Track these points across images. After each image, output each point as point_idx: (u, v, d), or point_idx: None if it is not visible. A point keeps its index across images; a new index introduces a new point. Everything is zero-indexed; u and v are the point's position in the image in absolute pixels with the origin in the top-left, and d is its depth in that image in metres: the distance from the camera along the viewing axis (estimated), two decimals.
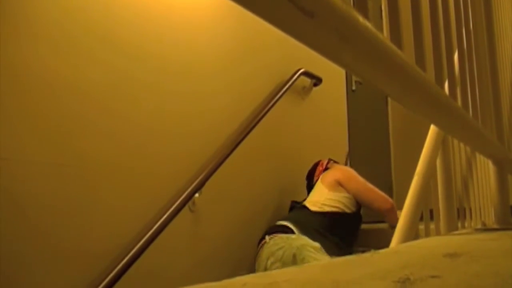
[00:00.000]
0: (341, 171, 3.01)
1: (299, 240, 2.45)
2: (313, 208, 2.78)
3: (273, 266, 2.40)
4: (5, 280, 1.65)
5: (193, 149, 2.50)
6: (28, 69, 1.81)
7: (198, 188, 2.38)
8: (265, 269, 2.42)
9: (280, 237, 2.52)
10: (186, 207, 2.32)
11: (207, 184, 2.43)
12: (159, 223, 2.13)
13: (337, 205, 2.76)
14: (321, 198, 2.82)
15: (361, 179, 2.93)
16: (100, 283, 1.87)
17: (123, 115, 2.15)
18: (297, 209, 2.88)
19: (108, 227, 2.02)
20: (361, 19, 0.50)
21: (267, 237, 2.57)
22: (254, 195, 2.88)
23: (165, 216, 2.16)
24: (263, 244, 2.56)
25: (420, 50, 0.76)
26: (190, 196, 2.33)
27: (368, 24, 0.52)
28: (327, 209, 2.74)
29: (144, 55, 2.29)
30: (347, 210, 2.78)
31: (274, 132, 3.15)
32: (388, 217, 2.87)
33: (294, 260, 2.33)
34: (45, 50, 1.88)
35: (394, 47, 0.60)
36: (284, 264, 2.35)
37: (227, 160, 2.57)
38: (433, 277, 0.65)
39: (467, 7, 1.32)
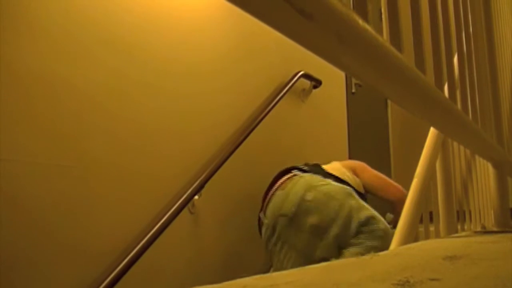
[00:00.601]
0: (358, 163, 3.04)
1: (342, 184, 2.53)
2: (324, 167, 2.82)
3: (316, 199, 2.39)
4: (8, 279, 1.65)
5: (192, 150, 2.50)
6: (29, 70, 1.82)
7: (197, 190, 2.38)
8: (302, 199, 2.39)
9: (313, 176, 2.56)
10: (186, 209, 2.32)
11: (206, 186, 2.43)
12: (158, 224, 2.12)
13: (345, 177, 2.76)
14: (332, 167, 2.85)
15: (376, 171, 2.96)
16: (100, 284, 1.86)
17: (123, 116, 2.15)
18: (310, 165, 2.90)
19: (108, 229, 2.02)
20: (360, 21, 0.50)
21: (297, 172, 2.59)
22: (254, 198, 2.87)
23: (164, 218, 2.16)
24: (291, 177, 2.56)
25: (420, 53, 0.76)
26: (190, 198, 2.33)
27: (367, 26, 0.52)
28: (335, 173, 2.75)
29: (144, 56, 2.29)
30: (353, 185, 2.78)
31: (274, 134, 3.15)
32: (400, 207, 2.89)
33: (349, 197, 2.40)
34: (45, 51, 1.88)
35: (394, 50, 0.60)
36: (332, 197, 2.39)
37: (227, 162, 2.57)
38: (432, 279, 0.66)
39: (466, 10, 1.32)
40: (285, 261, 2.43)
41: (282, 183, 2.57)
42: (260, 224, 2.60)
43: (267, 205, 2.55)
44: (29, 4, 1.85)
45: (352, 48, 0.52)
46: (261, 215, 2.58)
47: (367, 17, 0.55)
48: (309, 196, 2.40)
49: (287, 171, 2.63)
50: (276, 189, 2.56)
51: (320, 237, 2.35)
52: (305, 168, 2.67)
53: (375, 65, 0.58)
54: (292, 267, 2.10)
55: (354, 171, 2.88)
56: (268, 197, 2.57)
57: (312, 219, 2.37)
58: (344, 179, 2.72)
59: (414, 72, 0.68)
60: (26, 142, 1.78)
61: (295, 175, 2.56)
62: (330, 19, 0.45)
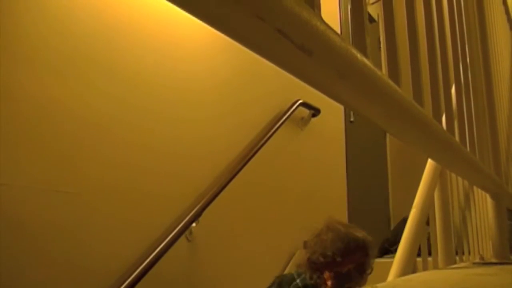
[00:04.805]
0: None
1: None
2: None
3: None
4: None
5: (190, 177, 2.49)
6: (28, 96, 1.82)
7: (195, 217, 2.36)
8: None
9: None
10: (183, 237, 2.31)
11: (204, 213, 2.41)
12: (155, 252, 2.11)
13: None
14: None
15: None
16: None
17: (121, 142, 2.15)
18: None
19: (104, 257, 2.00)
20: (359, 56, 0.51)
21: None
22: (251, 225, 2.86)
23: (161, 246, 2.14)
24: None
25: (418, 86, 0.77)
26: (188, 225, 2.32)
27: (366, 61, 0.53)
28: None
29: (144, 83, 2.30)
30: None
31: (272, 162, 3.15)
32: None
33: None
34: (44, 76, 1.89)
35: (392, 84, 0.61)
36: None
37: (225, 190, 2.56)
38: None
39: (464, 41, 1.33)
40: None
41: None
42: None
43: None
44: (28, 31, 1.87)
45: (351, 82, 0.52)
46: None
47: (366, 52, 0.56)
48: None
49: None
50: None
51: None
52: None
53: (373, 99, 0.59)
54: None
55: None
56: None
57: None
58: None
59: (412, 105, 0.68)
60: (26, 168, 1.78)
61: None
62: (329, 55, 0.46)
